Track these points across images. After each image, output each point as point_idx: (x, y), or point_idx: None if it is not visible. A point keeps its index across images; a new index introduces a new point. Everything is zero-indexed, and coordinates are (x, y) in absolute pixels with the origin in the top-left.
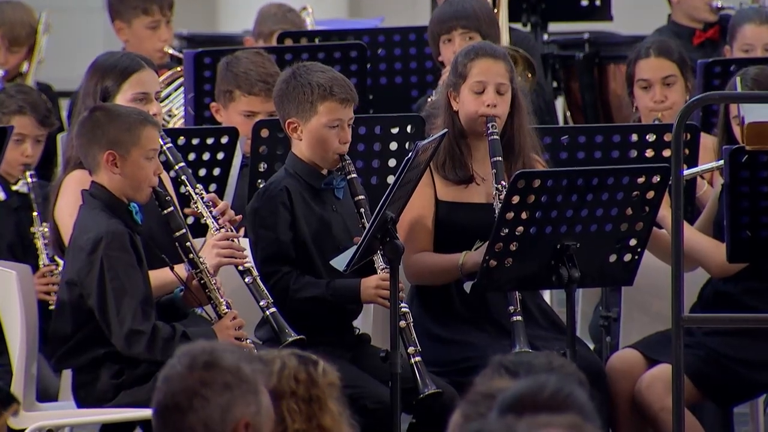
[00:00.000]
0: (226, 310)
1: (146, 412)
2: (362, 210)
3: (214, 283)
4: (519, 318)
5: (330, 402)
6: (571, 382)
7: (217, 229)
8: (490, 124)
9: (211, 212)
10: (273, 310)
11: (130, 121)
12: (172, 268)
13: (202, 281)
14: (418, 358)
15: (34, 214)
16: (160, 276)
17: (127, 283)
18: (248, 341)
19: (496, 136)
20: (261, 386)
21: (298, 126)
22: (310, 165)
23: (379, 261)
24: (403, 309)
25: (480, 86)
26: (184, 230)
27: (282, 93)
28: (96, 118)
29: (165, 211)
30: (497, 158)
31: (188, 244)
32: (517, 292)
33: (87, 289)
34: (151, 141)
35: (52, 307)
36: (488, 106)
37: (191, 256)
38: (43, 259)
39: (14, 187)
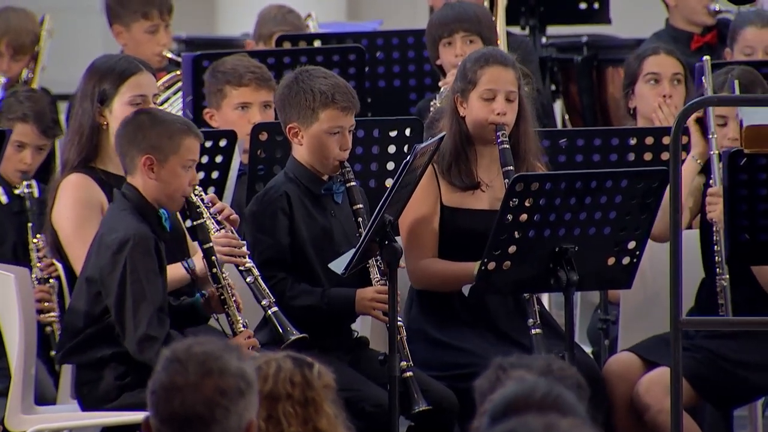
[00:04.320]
0: (242, 329)
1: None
2: (360, 219)
3: (234, 300)
4: (539, 331)
5: (326, 404)
6: (560, 385)
7: (217, 230)
8: (499, 133)
9: (210, 213)
10: (275, 309)
11: (172, 129)
12: (189, 272)
13: (222, 297)
14: (410, 373)
15: (29, 225)
16: (175, 270)
17: (148, 288)
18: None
19: (506, 145)
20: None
21: (299, 131)
22: (310, 170)
23: (375, 273)
24: (397, 323)
25: (490, 93)
26: (211, 243)
27: (284, 97)
28: (140, 120)
29: (195, 222)
30: (509, 167)
31: (214, 258)
32: (535, 303)
33: (107, 288)
34: (191, 151)
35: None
36: (498, 114)
37: (215, 270)
38: (35, 272)
39: (17, 191)
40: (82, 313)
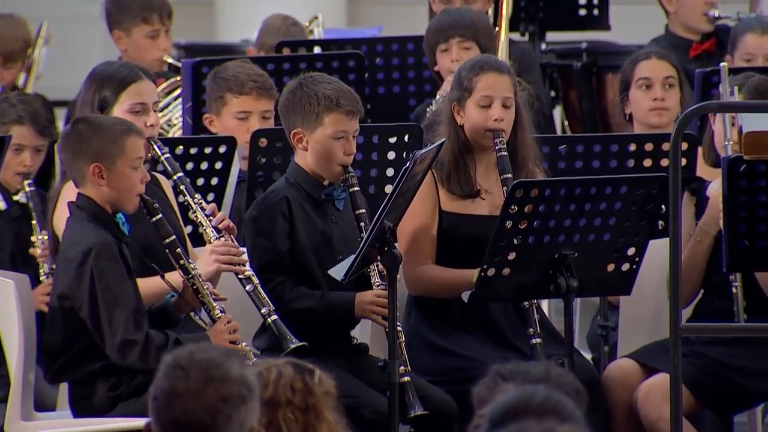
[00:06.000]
0: (220, 314)
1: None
2: (362, 224)
3: (206, 288)
4: (539, 340)
5: (326, 411)
6: (559, 391)
7: (216, 238)
8: (497, 140)
9: (210, 221)
10: (275, 317)
11: (113, 132)
12: (162, 276)
13: (194, 287)
14: (407, 378)
15: (33, 222)
16: (155, 283)
17: (118, 293)
18: (244, 344)
19: (504, 153)
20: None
21: (303, 137)
22: (312, 175)
23: (375, 277)
24: (396, 328)
25: (487, 100)
26: (173, 237)
27: (288, 103)
28: (79, 130)
29: (153, 219)
30: (507, 175)
31: (178, 250)
32: (535, 312)
33: (78, 301)
34: (136, 150)
35: None
36: (495, 120)
37: (182, 262)
38: (43, 268)
39: (15, 197)
40: (59, 329)
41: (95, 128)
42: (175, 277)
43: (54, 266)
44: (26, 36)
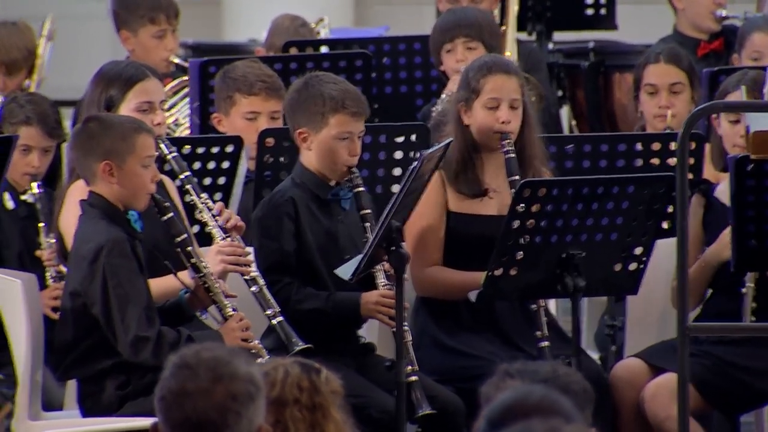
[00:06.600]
0: (232, 312)
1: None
2: (368, 224)
3: (218, 286)
4: (547, 344)
5: (333, 410)
6: (560, 391)
7: (222, 238)
8: (505, 141)
9: (216, 221)
10: (280, 319)
11: (124, 130)
12: (175, 275)
13: (205, 285)
14: (414, 378)
15: (41, 225)
16: (166, 282)
17: (131, 290)
18: (256, 342)
19: (512, 155)
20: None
21: (308, 136)
22: (318, 175)
23: (381, 277)
24: (403, 328)
25: (494, 102)
26: (184, 235)
27: (293, 102)
28: (90, 128)
29: (164, 218)
30: (515, 177)
31: (190, 248)
32: (542, 315)
33: (91, 298)
34: (147, 148)
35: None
36: (503, 122)
37: (193, 260)
38: (49, 271)
39: (23, 197)
40: (71, 326)
41: (106, 126)
42: (185, 276)
43: (61, 270)
44: (30, 45)
